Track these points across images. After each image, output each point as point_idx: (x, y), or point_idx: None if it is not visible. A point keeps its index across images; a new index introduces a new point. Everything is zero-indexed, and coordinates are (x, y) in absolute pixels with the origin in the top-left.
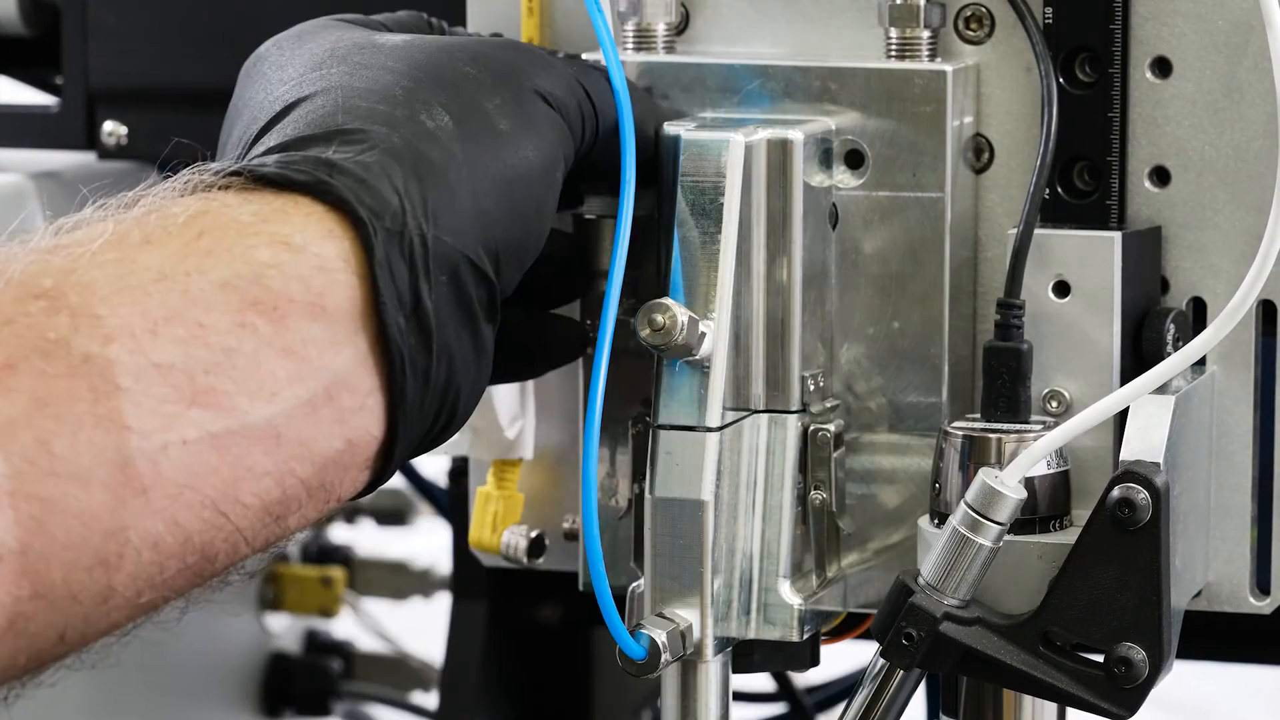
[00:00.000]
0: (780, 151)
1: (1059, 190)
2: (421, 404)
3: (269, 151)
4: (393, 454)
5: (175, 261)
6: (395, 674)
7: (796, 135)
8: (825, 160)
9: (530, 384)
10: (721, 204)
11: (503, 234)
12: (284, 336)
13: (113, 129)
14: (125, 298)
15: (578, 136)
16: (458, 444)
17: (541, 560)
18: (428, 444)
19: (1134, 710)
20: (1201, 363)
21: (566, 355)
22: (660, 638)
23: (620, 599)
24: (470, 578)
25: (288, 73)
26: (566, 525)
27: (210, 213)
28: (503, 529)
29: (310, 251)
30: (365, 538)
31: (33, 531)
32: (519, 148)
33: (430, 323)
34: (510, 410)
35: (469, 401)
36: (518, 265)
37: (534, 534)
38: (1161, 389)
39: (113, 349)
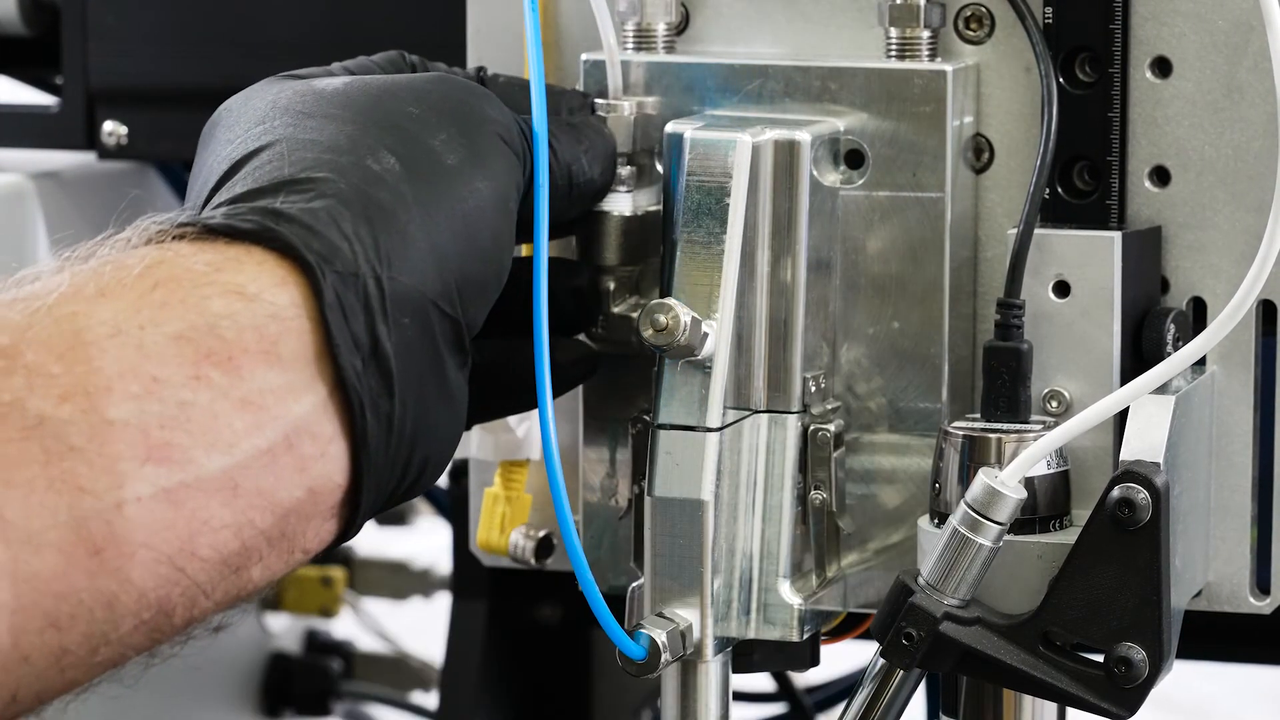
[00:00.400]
0: (788, 153)
1: (1059, 190)
2: (387, 448)
3: (218, 206)
4: (359, 502)
5: (130, 315)
6: (395, 674)
7: (804, 136)
8: (832, 161)
9: None
10: (727, 204)
11: (462, 270)
12: (240, 386)
13: (113, 129)
14: (80, 355)
15: (523, 165)
16: (465, 445)
17: (550, 561)
18: (405, 491)
19: (1134, 710)
20: (1201, 363)
21: (577, 378)
22: (660, 638)
23: (620, 599)
24: (470, 578)
25: (235, 132)
26: None
27: (165, 263)
28: (510, 530)
29: (264, 300)
30: (365, 538)
31: None
32: (469, 181)
33: (391, 365)
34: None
35: (443, 444)
36: (481, 299)
37: (541, 534)
38: (1161, 389)
39: (66, 409)
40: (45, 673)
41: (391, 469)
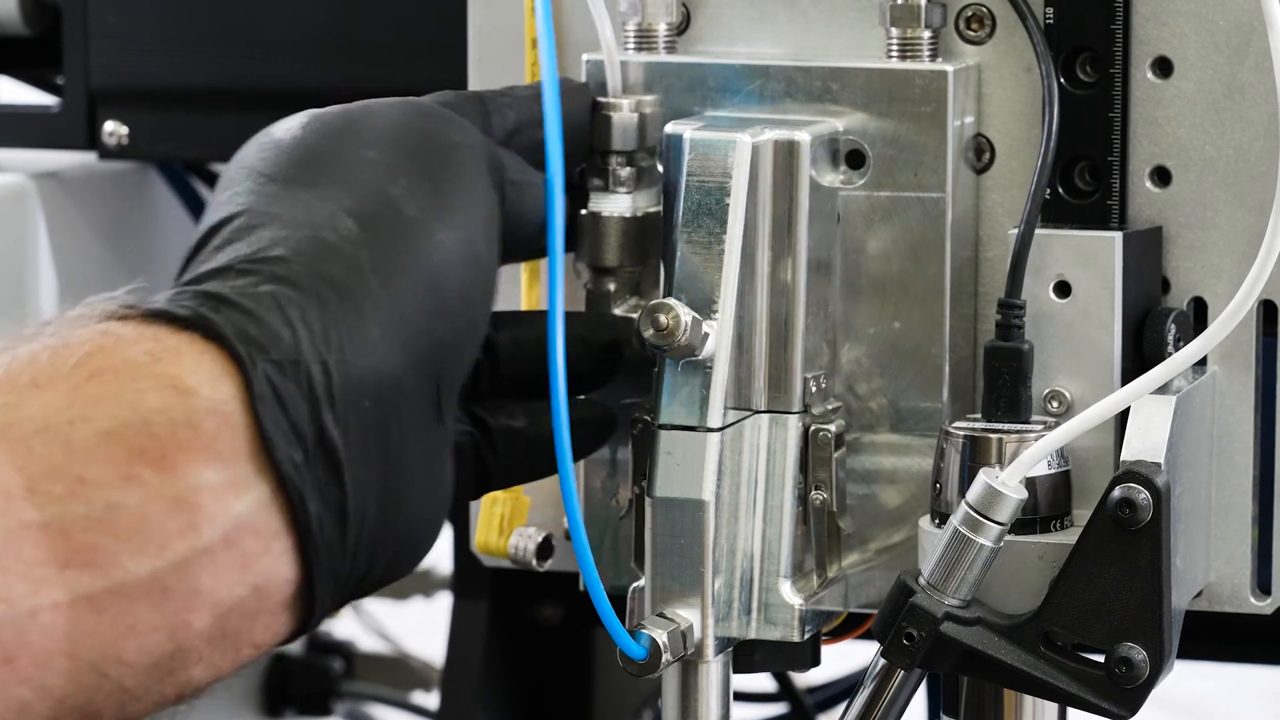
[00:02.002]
0: (787, 153)
1: (1060, 190)
2: (342, 538)
3: (176, 284)
4: (314, 595)
5: (61, 408)
6: (396, 674)
7: (804, 137)
8: (832, 161)
9: None
10: (727, 204)
11: (430, 335)
12: (174, 485)
13: (113, 129)
14: (4, 451)
15: (501, 190)
16: None
17: (550, 562)
18: (380, 574)
19: (1135, 710)
20: (1202, 363)
21: (596, 441)
22: (661, 638)
23: (621, 599)
24: (471, 578)
25: (218, 195)
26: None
27: (105, 350)
28: (509, 532)
29: (202, 394)
30: None
31: None
32: (432, 234)
33: (339, 454)
34: None
35: (422, 522)
36: (456, 361)
37: (541, 537)
38: (1162, 389)
39: None
40: None
41: (354, 558)
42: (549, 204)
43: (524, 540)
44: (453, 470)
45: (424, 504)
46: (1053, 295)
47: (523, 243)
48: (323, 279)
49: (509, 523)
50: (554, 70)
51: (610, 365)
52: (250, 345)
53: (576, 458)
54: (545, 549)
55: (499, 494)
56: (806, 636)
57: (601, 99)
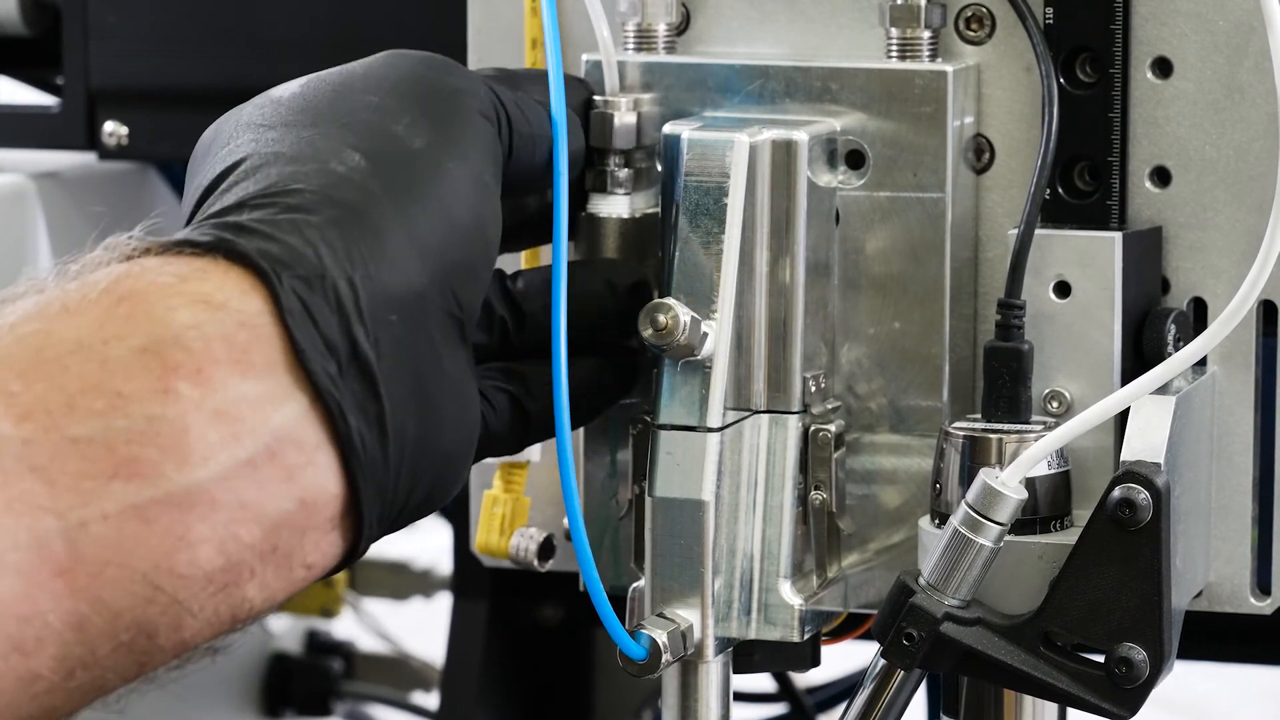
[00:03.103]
0: (785, 152)
1: (1060, 190)
2: (384, 452)
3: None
4: (361, 512)
5: (94, 329)
6: (396, 674)
7: (801, 136)
8: (830, 161)
9: None
10: (725, 204)
11: (446, 256)
12: (212, 398)
13: (113, 129)
14: (41, 372)
15: (499, 129)
16: None
17: (551, 563)
18: (421, 500)
19: (1135, 710)
20: (1202, 363)
21: (619, 392)
22: (661, 638)
23: (621, 599)
24: (471, 578)
25: (210, 157)
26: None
27: (131, 277)
28: (510, 532)
29: (232, 307)
30: None
31: None
32: (439, 163)
33: (373, 367)
34: None
35: (459, 441)
36: (473, 283)
37: (543, 537)
38: (1162, 389)
39: (27, 428)
40: (16, 699)
41: (396, 473)
42: (555, 200)
43: (525, 541)
44: (478, 404)
45: (457, 425)
46: (1052, 295)
47: (520, 209)
48: (338, 204)
49: (510, 523)
50: (559, 64)
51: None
52: (274, 263)
53: (607, 406)
54: (547, 549)
55: (499, 495)
56: (806, 637)
57: (598, 98)
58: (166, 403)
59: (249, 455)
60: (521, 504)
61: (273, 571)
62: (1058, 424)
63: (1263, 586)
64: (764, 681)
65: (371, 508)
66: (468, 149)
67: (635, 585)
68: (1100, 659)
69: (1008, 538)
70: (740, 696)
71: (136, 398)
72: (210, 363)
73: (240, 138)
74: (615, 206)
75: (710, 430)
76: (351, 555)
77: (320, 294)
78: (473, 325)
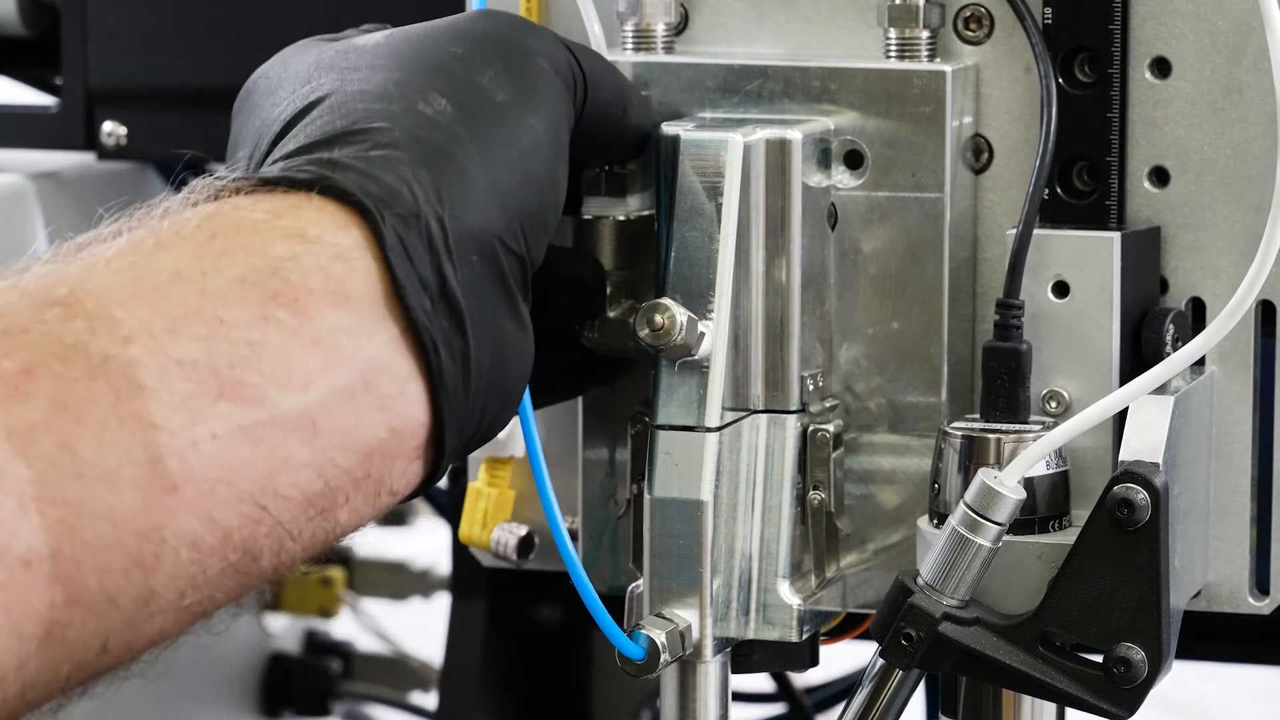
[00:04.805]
0: (779, 151)
1: (1058, 190)
2: (465, 387)
3: (274, 163)
4: (443, 442)
5: (190, 262)
6: (395, 674)
7: (795, 135)
8: (824, 160)
9: None
10: (720, 204)
11: (522, 206)
12: (309, 327)
13: (112, 129)
14: (142, 300)
15: (574, 94)
16: None
17: (532, 558)
18: (484, 432)
19: (1133, 710)
20: (1201, 363)
21: (578, 385)
22: (659, 638)
23: (620, 600)
24: (469, 578)
25: (279, 95)
26: (566, 525)
27: (222, 214)
28: (493, 525)
29: (326, 241)
30: (365, 538)
31: (62, 536)
32: (521, 117)
33: (460, 304)
34: None
35: (518, 380)
36: (542, 234)
37: (523, 532)
38: (1161, 389)
39: (132, 349)
40: (134, 618)
41: (472, 408)
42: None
43: (505, 535)
44: (533, 343)
45: (520, 363)
46: (1051, 295)
47: (571, 200)
48: (425, 144)
49: (491, 517)
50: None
51: (592, 300)
52: (376, 201)
53: (559, 398)
54: (526, 544)
55: (483, 487)
56: (805, 637)
57: None
58: (267, 330)
59: (346, 384)
60: (505, 497)
61: (363, 498)
62: (1056, 424)
63: (1261, 586)
64: (762, 681)
65: (452, 438)
66: (549, 107)
67: (634, 585)
68: (1099, 659)
69: (1006, 538)
70: (739, 696)
71: (238, 324)
72: (306, 293)
73: (322, 77)
74: (612, 208)
75: (708, 430)
76: (429, 482)
77: (415, 232)
78: (531, 273)
